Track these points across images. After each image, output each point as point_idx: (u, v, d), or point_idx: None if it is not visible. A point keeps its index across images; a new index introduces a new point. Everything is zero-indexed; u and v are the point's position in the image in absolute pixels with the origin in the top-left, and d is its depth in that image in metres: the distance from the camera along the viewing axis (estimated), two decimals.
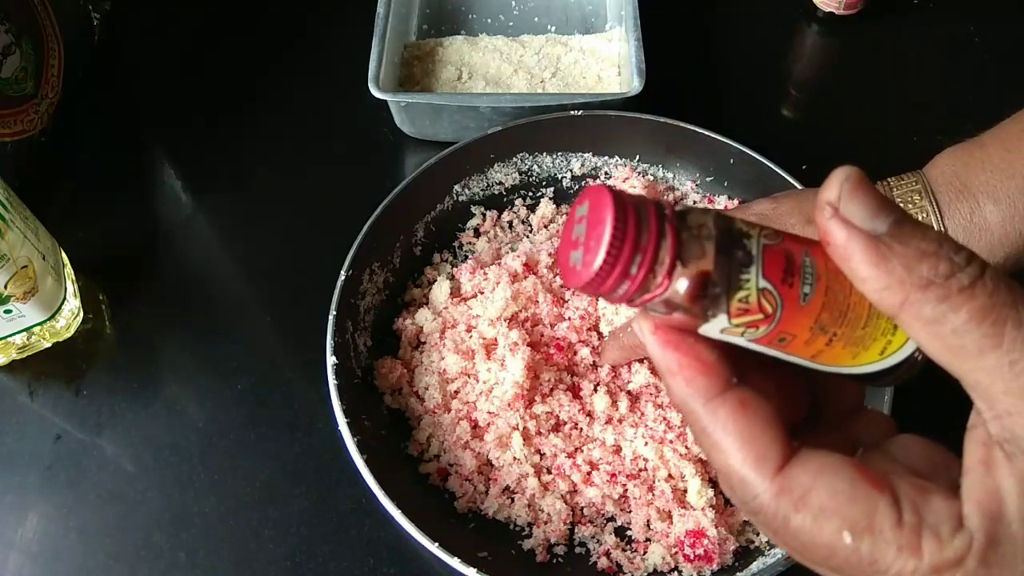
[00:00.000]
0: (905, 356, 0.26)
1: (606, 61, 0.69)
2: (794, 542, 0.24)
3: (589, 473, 0.50)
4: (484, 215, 0.62)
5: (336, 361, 0.50)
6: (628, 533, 0.50)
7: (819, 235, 0.24)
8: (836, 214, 0.23)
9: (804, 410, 0.29)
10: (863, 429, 0.28)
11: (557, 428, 0.52)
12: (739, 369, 0.25)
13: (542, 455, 0.51)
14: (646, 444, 0.50)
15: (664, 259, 0.23)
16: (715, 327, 0.24)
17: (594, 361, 0.53)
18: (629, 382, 0.53)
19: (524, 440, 0.50)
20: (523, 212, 0.63)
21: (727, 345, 0.25)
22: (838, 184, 0.23)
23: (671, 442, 0.50)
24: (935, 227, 0.41)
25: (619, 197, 0.23)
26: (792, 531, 0.23)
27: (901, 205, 0.42)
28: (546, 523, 0.50)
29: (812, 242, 0.25)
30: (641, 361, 0.53)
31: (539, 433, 0.51)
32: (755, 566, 0.46)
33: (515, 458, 0.51)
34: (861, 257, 0.22)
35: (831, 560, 0.23)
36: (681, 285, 0.23)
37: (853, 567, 0.23)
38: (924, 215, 0.41)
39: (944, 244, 0.22)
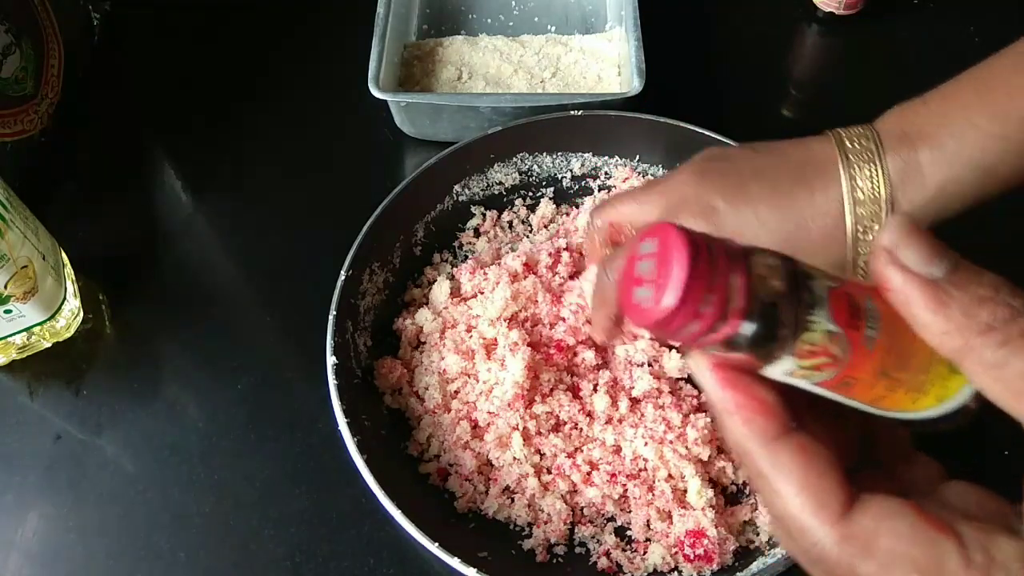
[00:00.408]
0: (962, 401, 0.26)
1: (606, 61, 0.69)
2: None
3: (589, 473, 0.50)
4: (484, 215, 0.62)
5: (336, 361, 0.50)
6: (628, 533, 0.50)
7: (876, 280, 0.24)
8: (893, 259, 0.23)
9: (855, 456, 0.29)
10: (913, 474, 0.28)
11: (557, 428, 0.52)
12: (794, 413, 0.25)
13: (542, 455, 0.51)
14: (646, 444, 0.50)
15: (735, 299, 0.22)
16: (780, 369, 0.24)
17: (597, 364, 0.53)
18: (632, 387, 0.52)
19: (524, 440, 0.50)
20: (523, 212, 0.63)
21: (784, 387, 0.25)
22: (894, 230, 0.23)
23: (671, 442, 0.50)
24: (880, 173, 0.42)
25: (691, 236, 0.23)
26: None
27: (852, 148, 0.43)
28: (546, 523, 0.50)
29: (870, 287, 0.25)
30: (642, 365, 0.53)
31: (539, 433, 0.51)
32: (755, 566, 0.46)
33: (515, 458, 0.51)
34: (920, 303, 0.23)
35: None
36: (748, 327, 0.23)
37: None
38: (870, 155, 0.42)
39: (1000, 289, 0.22)
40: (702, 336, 0.23)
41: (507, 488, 0.51)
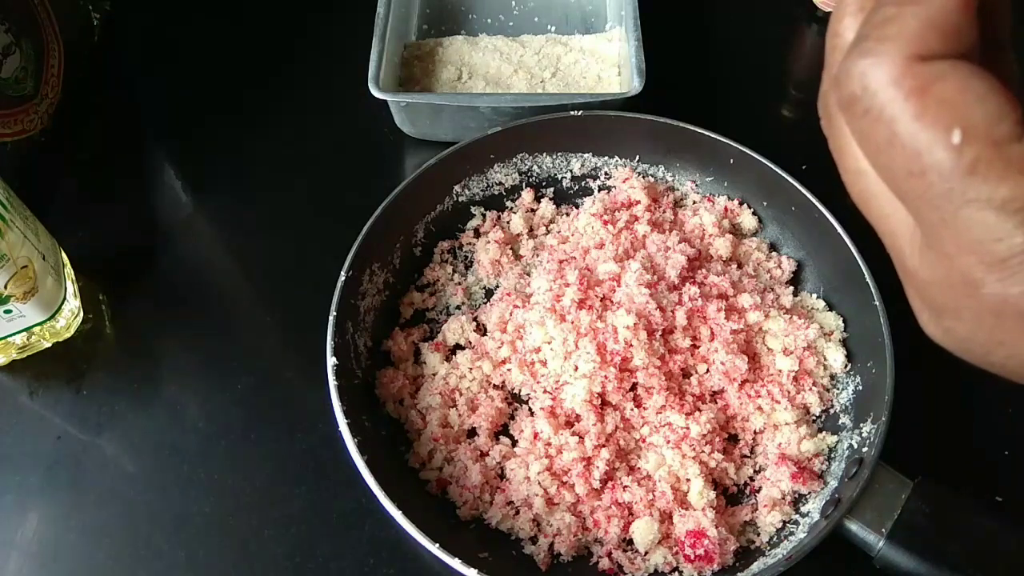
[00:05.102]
0: None
1: (606, 61, 0.69)
2: None
3: (600, 489, 0.50)
4: (484, 215, 0.62)
5: (336, 362, 0.50)
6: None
7: None
8: None
9: None
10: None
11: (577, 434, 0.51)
12: None
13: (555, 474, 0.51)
14: (650, 448, 0.50)
15: None
16: None
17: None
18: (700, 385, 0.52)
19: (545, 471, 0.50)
20: (523, 212, 0.62)
21: None
22: None
23: (674, 444, 0.50)
24: None
25: None
26: None
27: None
28: (556, 535, 0.49)
29: None
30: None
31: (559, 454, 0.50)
32: (756, 566, 0.46)
33: (527, 477, 0.50)
34: None
35: None
36: None
37: None
38: None
39: None
40: None
41: (511, 502, 0.50)
